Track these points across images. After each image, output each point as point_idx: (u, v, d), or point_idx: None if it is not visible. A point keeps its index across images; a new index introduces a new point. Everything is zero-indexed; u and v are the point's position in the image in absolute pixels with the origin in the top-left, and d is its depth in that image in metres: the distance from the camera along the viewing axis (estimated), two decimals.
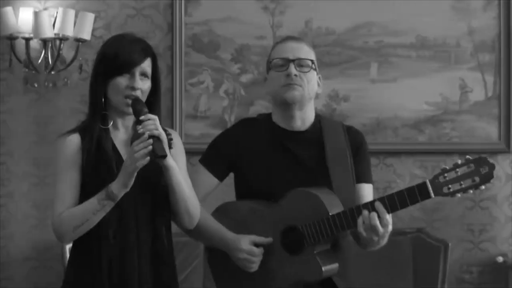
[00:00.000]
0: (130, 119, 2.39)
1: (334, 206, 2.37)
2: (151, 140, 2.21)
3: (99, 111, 2.34)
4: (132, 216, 2.32)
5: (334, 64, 4.31)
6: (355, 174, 2.52)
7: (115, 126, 2.38)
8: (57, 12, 4.23)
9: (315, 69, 2.56)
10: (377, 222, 2.27)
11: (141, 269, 2.32)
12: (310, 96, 2.53)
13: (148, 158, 2.21)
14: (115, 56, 2.32)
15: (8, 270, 4.39)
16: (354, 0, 4.28)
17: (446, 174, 2.24)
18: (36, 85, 4.33)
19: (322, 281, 2.43)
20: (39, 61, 4.26)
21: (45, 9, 4.29)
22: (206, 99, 4.37)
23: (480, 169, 2.21)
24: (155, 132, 2.24)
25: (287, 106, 2.50)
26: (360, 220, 2.30)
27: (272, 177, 2.48)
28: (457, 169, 2.23)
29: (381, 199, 2.31)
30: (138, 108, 2.30)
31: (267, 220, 2.46)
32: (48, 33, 4.15)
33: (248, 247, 2.43)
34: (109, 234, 2.29)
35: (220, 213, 2.59)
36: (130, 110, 2.32)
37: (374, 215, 2.27)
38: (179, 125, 4.32)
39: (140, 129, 2.25)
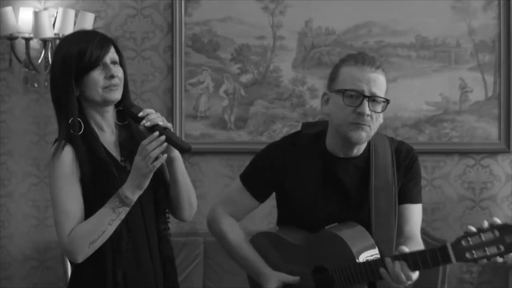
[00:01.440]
0: (111, 116, 2.29)
1: (363, 250, 2.26)
2: (163, 137, 2.13)
3: (76, 114, 2.22)
4: (140, 220, 2.26)
5: (334, 64, 4.27)
6: (402, 196, 2.40)
7: (100, 128, 2.28)
8: (57, 12, 4.23)
9: (387, 104, 2.30)
10: (402, 275, 2.18)
11: (155, 272, 2.28)
12: (374, 132, 2.32)
13: (166, 156, 2.15)
14: (81, 53, 2.20)
15: (8, 270, 4.39)
16: (354, 0, 4.28)
17: (469, 239, 2.09)
18: (36, 85, 4.32)
19: None
20: (39, 61, 4.26)
21: (45, 9, 4.29)
22: (206, 99, 4.37)
23: (505, 238, 2.05)
24: (167, 124, 2.19)
25: (348, 142, 2.30)
26: (383, 271, 2.20)
27: (316, 209, 2.36)
28: (481, 234, 2.08)
29: (403, 257, 2.18)
30: (133, 110, 2.23)
31: (300, 255, 2.38)
32: (48, 33, 4.15)
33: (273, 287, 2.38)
34: (122, 246, 2.20)
35: (258, 240, 2.51)
36: (114, 95, 2.22)
37: (398, 268, 2.17)
38: (179, 125, 4.31)
39: (145, 123, 2.18)
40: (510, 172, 4.27)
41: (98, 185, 2.20)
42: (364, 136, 2.26)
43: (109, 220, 2.15)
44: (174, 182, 2.30)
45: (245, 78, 4.35)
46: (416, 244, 2.33)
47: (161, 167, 2.28)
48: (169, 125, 2.21)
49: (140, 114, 2.21)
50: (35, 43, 4.26)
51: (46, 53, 4.23)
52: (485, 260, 2.08)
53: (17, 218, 4.37)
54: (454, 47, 4.29)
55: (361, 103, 2.23)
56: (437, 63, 4.29)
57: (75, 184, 2.19)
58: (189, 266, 4.14)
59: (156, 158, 2.13)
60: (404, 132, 4.29)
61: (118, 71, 2.25)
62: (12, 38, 4.25)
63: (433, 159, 4.30)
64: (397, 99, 4.28)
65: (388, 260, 2.19)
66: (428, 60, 4.29)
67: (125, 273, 2.21)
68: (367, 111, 2.23)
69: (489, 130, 4.27)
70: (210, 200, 4.11)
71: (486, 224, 2.07)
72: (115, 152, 2.28)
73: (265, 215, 4.11)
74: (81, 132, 2.22)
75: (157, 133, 2.13)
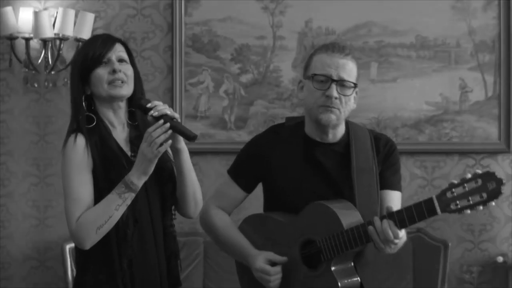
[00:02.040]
0: (123, 114, 2.37)
1: (350, 220, 2.33)
2: (168, 124, 2.19)
3: (84, 111, 2.31)
4: (147, 215, 2.30)
5: None
6: (383, 182, 2.48)
7: (112, 125, 2.36)
8: (57, 12, 4.23)
9: (355, 89, 2.45)
10: (390, 232, 2.23)
11: (160, 265, 2.32)
12: (345, 116, 2.45)
13: (170, 142, 2.20)
14: (86, 54, 2.32)
15: (8, 270, 4.40)
16: (354, 0, 4.28)
17: (454, 190, 2.16)
18: (36, 85, 4.33)
19: None
20: (39, 61, 4.27)
21: (45, 9, 4.29)
22: (206, 99, 4.37)
23: (488, 185, 2.12)
24: (175, 114, 2.24)
25: (320, 125, 2.43)
26: (371, 229, 2.26)
27: (302, 191, 2.44)
28: (465, 184, 2.15)
29: (390, 215, 2.26)
30: (142, 102, 2.30)
31: (288, 232, 2.44)
32: (48, 33, 4.15)
33: (261, 266, 2.42)
34: (128, 234, 2.25)
35: (247, 225, 2.58)
36: (120, 91, 2.30)
37: (386, 226, 2.23)
38: None
39: (152, 113, 2.23)
40: (510, 172, 4.27)
41: (108, 175, 2.26)
42: (334, 118, 2.39)
43: (115, 205, 2.20)
44: (180, 174, 2.34)
45: (245, 78, 4.35)
46: None
47: (169, 163, 2.35)
48: (176, 115, 2.26)
49: (149, 105, 2.27)
50: (35, 43, 4.26)
51: (46, 53, 4.23)
52: (468, 210, 2.14)
53: (17, 218, 4.38)
54: (454, 47, 4.29)
55: (329, 86, 2.37)
56: (437, 63, 4.29)
57: (87, 173, 2.26)
58: (189, 266, 4.14)
59: (161, 145, 2.19)
60: (404, 132, 4.29)
61: (126, 68, 2.32)
62: (12, 38, 4.25)
63: (433, 159, 4.30)
64: (397, 99, 4.29)
65: (376, 218, 2.27)
66: (428, 60, 4.29)
67: (131, 260, 2.25)
68: (335, 93, 2.36)
69: (489, 130, 4.27)
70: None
71: (469, 175, 2.15)
72: (125, 148, 2.34)
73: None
74: (93, 125, 2.30)
75: (162, 121, 2.19)
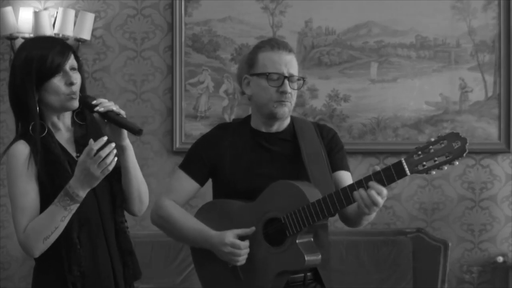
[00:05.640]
0: (68, 117, 2.35)
1: (314, 195, 2.42)
2: (113, 144, 2.16)
3: (37, 118, 2.28)
4: (96, 213, 2.29)
5: (334, 64, 4.32)
6: (333, 165, 2.58)
7: (56, 127, 2.33)
8: (57, 12, 4.23)
9: (303, 81, 2.61)
10: (378, 198, 2.30)
11: (113, 264, 2.31)
12: (292, 107, 2.61)
13: (116, 159, 2.17)
14: (42, 58, 2.25)
15: (8, 270, 4.40)
16: (354, 0, 4.28)
17: (420, 152, 2.27)
18: None
19: (305, 274, 2.47)
20: None
21: (45, 9, 4.29)
22: (206, 99, 4.37)
23: (453, 144, 2.23)
24: (121, 111, 2.23)
25: (273, 118, 2.56)
26: (357, 197, 2.33)
27: (253, 176, 2.53)
28: (431, 147, 2.26)
29: (361, 181, 2.33)
30: (87, 100, 2.28)
31: (249, 213, 2.50)
32: (48, 33, 4.14)
33: (231, 240, 2.45)
34: (74, 237, 2.24)
35: (203, 211, 2.62)
36: (74, 104, 2.28)
37: (373, 192, 2.30)
38: (179, 125, 4.32)
39: (98, 109, 2.22)
40: (510, 172, 4.27)
41: (52, 180, 2.24)
42: (287, 111, 2.56)
43: (61, 217, 2.19)
44: (125, 172, 2.32)
45: None
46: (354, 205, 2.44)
47: (118, 160, 2.30)
48: (122, 111, 2.25)
49: (94, 102, 2.25)
50: None
51: None
52: (434, 171, 2.25)
53: None
54: (454, 47, 4.29)
55: (283, 83, 2.53)
56: (437, 63, 4.29)
57: (31, 180, 2.24)
58: (189, 266, 4.14)
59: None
60: (404, 132, 4.29)
61: (77, 77, 2.30)
62: (12, 38, 4.25)
63: None
64: (397, 99, 4.29)
65: (355, 184, 2.35)
66: (428, 60, 4.29)
67: (80, 262, 2.24)
68: (289, 89, 2.53)
69: (489, 130, 4.27)
70: (210, 199, 4.10)
71: (435, 138, 2.27)
72: (70, 149, 2.32)
73: None
74: (43, 134, 2.27)
75: (105, 137, 2.15)
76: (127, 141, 2.28)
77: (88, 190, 2.19)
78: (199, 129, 4.30)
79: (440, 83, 4.29)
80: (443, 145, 2.24)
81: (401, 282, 4.01)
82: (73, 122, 2.36)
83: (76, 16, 4.24)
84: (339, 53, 4.30)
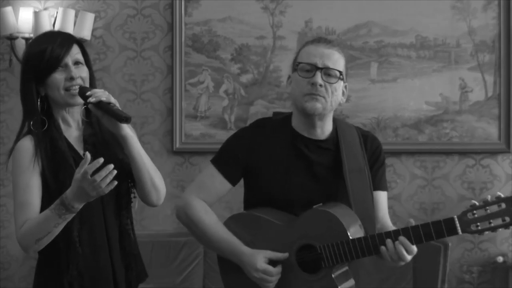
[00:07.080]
0: (77, 112, 2.32)
1: (353, 228, 2.32)
2: (111, 165, 2.08)
3: (37, 113, 2.26)
4: (100, 215, 2.27)
5: None
6: (374, 182, 2.46)
7: (66, 123, 2.31)
8: (57, 12, 4.23)
9: (342, 79, 2.42)
10: (404, 253, 2.24)
11: (114, 266, 2.28)
12: (332, 107, 2.42)
13: (116, 182, 2.10)
14: (41, 55, 2.22)
15: (8, 270, 4.39)
16: (354, 0, 4.28)
17: (475, 211, 2.17)
18: None
19: None
20: None
21: (45, 9, 4.29)
22: (206, 99, 4.37)
23: (511, 209, 2.13)
24: (111, 99, 2.19)
25: (307, 115, 2.40)
26: (383, 249, 2.26)
27: (289, 185, 2.40)
28: (487, 207, 2.16)
29: (405, 231, 2.26)
30: (83, 91, 2.24)
31: (283, 236, 2.38)
32: None
33: (263, 266, 2.36)
34: (73, 237, 2.22)
35: (234, 222, 2.49)
36: (77, 99, 2.25)
37: (400, 247, 2.23)
38: (179, 125, 4.32)
39: (90, 100, 2.18)
40: (510, 172, 4.27)
41: (56, 177, 2.22)
42: (319, 107, 2.36)
43: (54, 223, 2.16)
44: (132, 161, 2.27)
45: (245, 78, 4.35)
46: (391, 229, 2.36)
47: (126, 159, 2.28)
48: (112, 99, 2.20)
49: (88, 93, 2.21)
50: None
51: None
52: (490, 231, 2.16)
53: None
54: (454, 47, 4.29)
55: (314, 74, 2.35)
56: (437, 63, 4.29)
57: (34, 176, 2.23)
58: (189, 266, 4.14)
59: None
60: (404, 132, 4.29)
61: (81, 71, 2.26)
62: (12, 38, 4.25)
63: (433, 159, 4.30)
64: (397, 99, 4.29)
65: (388, 241, 2.26)
66: (428, 60, 4.29)
67: (78, 263, 2.22)
68: (320, 81, 2.34)
69: (489, 130, 4.27)
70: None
71: (490, 197, 2.15)
72: (78, 146, 2.29)
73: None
74: (44, 129, 2.25)
75: (102, 159, 2.07)
76: (126, 131, 2.22)
77: (84, 203, 2.15)
78: (199, 129, 4.30)
79: (440, 83, 4.29)
80: (500, 208, 2.14)
81: (401, 282, 4.01)
82: (83, 120, 2.33)
83: (76, 16, 4.23)
84: None
